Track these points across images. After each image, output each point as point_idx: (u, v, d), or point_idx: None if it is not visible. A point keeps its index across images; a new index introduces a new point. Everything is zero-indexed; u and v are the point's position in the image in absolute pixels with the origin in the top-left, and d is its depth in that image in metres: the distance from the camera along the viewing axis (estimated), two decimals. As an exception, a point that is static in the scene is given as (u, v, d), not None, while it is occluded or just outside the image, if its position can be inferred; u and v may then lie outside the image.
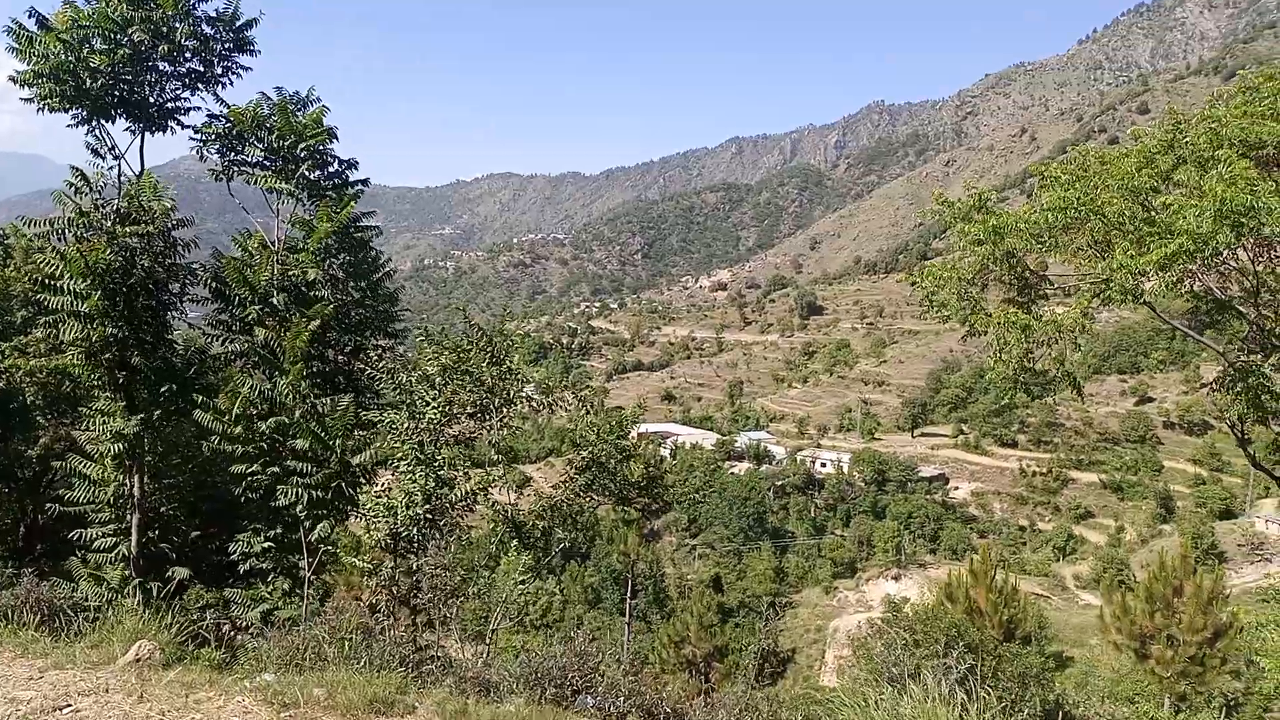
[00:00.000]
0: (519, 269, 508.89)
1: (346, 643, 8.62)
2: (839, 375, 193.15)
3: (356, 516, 14.65)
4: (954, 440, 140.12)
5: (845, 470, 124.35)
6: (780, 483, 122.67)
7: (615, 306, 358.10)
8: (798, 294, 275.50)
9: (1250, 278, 11.61)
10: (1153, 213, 11.24)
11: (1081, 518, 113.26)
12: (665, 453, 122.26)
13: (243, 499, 15.51)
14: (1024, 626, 32.30)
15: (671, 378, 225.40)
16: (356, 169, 19.17)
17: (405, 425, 12.97)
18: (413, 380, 13.56)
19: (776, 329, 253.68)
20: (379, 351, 16.71)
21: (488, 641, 12.38)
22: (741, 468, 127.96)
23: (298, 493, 14.95)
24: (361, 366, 16.16)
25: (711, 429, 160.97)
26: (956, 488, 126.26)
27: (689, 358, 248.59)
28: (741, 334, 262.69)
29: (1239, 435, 13.53)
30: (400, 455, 12.74)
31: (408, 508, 12.03)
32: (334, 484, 15.31)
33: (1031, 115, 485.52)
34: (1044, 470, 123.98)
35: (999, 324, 11.82)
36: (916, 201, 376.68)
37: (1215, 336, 13.44)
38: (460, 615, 12.45)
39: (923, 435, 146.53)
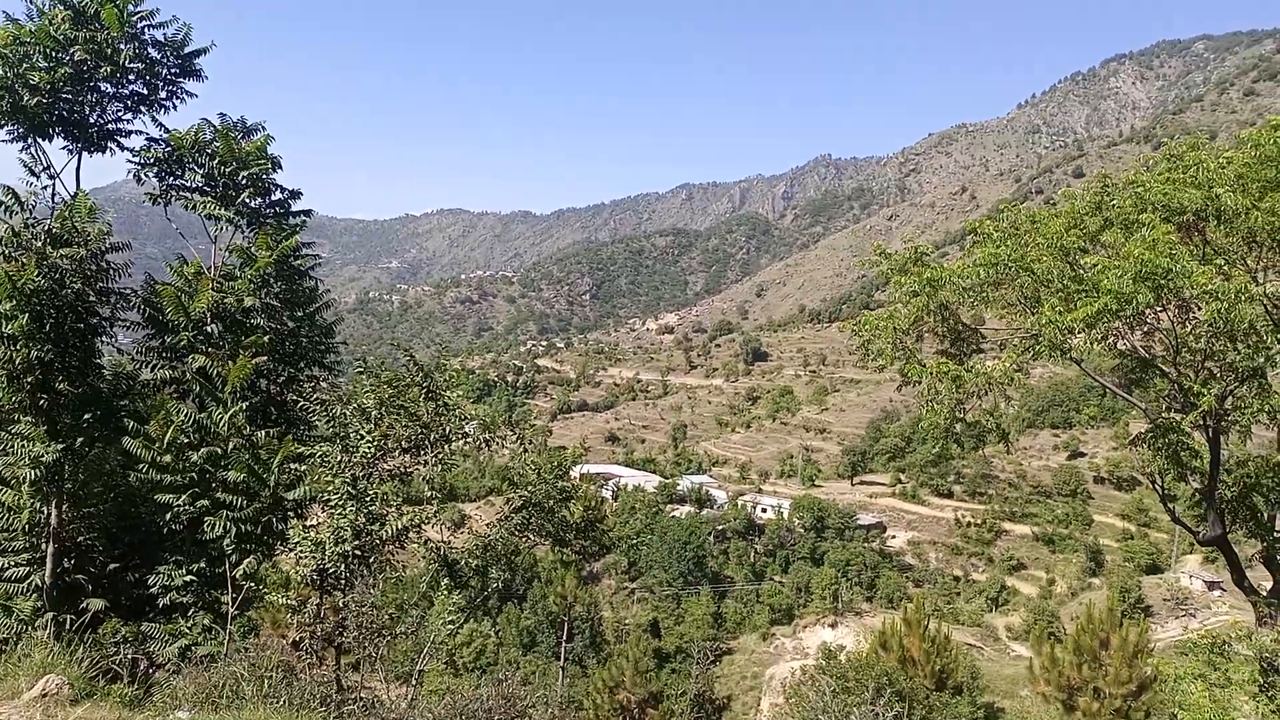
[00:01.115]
0: (466, 305, 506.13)
1: (266, 681, 8.39)
2: (781, 421, 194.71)
3: (285, 551, 14.32)
4: (892, 489, 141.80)
5: (785, 516, 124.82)
6: (721, 527, 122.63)
7: (562, 346, 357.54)
8: (743, 340, 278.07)
9: (1172, 338, 12.05)
10: (1080, 271, 11.66)
11: (1014, 569, 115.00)
12: (607, 494, 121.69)
13: (166, 530, 15.05)
14: (956, 676, 32.63)
15: (616, 419, 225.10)
16: (300, 199, 19.02)
17: (338, 458, 12.75)
18: (348, 413, 13.36)
19: (721, 373, 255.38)
20: (313, 383, 16.46)
21: (414, 683, 12.11)
22: (683, 511, 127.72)
23: (226, 526, 14.57)
24: (295, 398, 15.89)
25: (654, 471, 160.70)
26: (894, 536, 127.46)
27: (634, 399, 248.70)
28: (687, 377, 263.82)
29: (1161, 491, 13.94)
30: (332, 489, 12.50)
31: (336, 543, 11.78)
32: (264, 518, 14.95)
33: (972, 174, 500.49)
34: (978, 521, 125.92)
35: (932, 374, 12.10)
36: (860, 253, 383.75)
37: (1141, 394, 13.86)
38: (388, 655, 12.19)
39: (862, 483, 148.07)
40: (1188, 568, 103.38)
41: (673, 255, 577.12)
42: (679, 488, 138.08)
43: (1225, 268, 11.14)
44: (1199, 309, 10.71)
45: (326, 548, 11.75)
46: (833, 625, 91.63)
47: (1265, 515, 12.47)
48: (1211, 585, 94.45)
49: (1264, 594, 12.40)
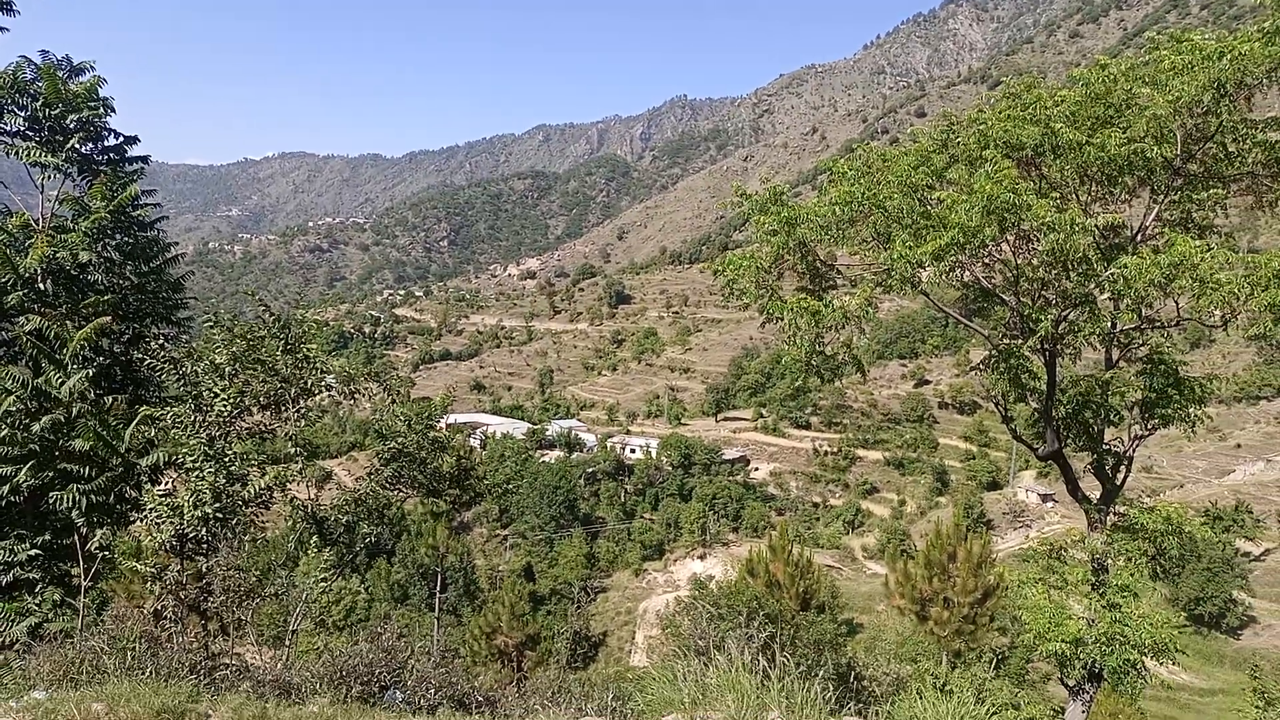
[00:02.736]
0: (315, 254, 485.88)
1: (129, 653, 8.00)
2: (647, 363, 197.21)
3: (140, 519, 13.58)
4: (754, 423, 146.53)
5: (654, 455, 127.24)
6: (591, 470, 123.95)
7: (421, 294, 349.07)
8: (606, 283, 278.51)
9: (1011, 268, 12.77)
10: (928, 207, 12.16)
11: (868, 493, 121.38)
12: (475, 443, 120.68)
13: (5, 504, 13.99)
14: (819, 596, 34.41)
15: (481, 367, 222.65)
16: (137, 144, 17.69)
17: (192, 419, 12.11)
18: (200, 370, 12.66)
19: (586, 318, 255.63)
20: (161, 341, 15.50)
21: (288, 644, 11.82)
22: (553, 456, 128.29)
23: (74, 497, 13.65)
24: (141, 357, 14.93)
25: (522, 418, 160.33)
26: (757, 468, 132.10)
27: (498, 347, 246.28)
28: (551, 323, 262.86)
29: (1002, 412, 14.84)
30: (187, 451, 11.88)
31: (195, 507, 11.25)
32: (117, 487, 14.08)
33: (822, 115, 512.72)
34: (834, 450, 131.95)
35: (792, 310, 12.41)
36: (718, 194, 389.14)
37: (982, 323, 14.62)
38: (256, 618, 11.82)
39: (726, 419, 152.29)
40: (1024, 483, 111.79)
41: (532, 199, 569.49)
42: (548, 433, 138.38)
43: (1060, 201, 11.87)
44: (1038, 240, 11.38)
45: (185, 512, 11.21)
46: (702, 557, 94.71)
47: (1095, 429, 13.53)
48: (1045, 498, 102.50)
49: (1094, 501, 13.53)
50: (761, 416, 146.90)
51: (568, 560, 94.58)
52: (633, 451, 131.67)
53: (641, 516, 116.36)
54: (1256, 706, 28.13)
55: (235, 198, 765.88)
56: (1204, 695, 59.15)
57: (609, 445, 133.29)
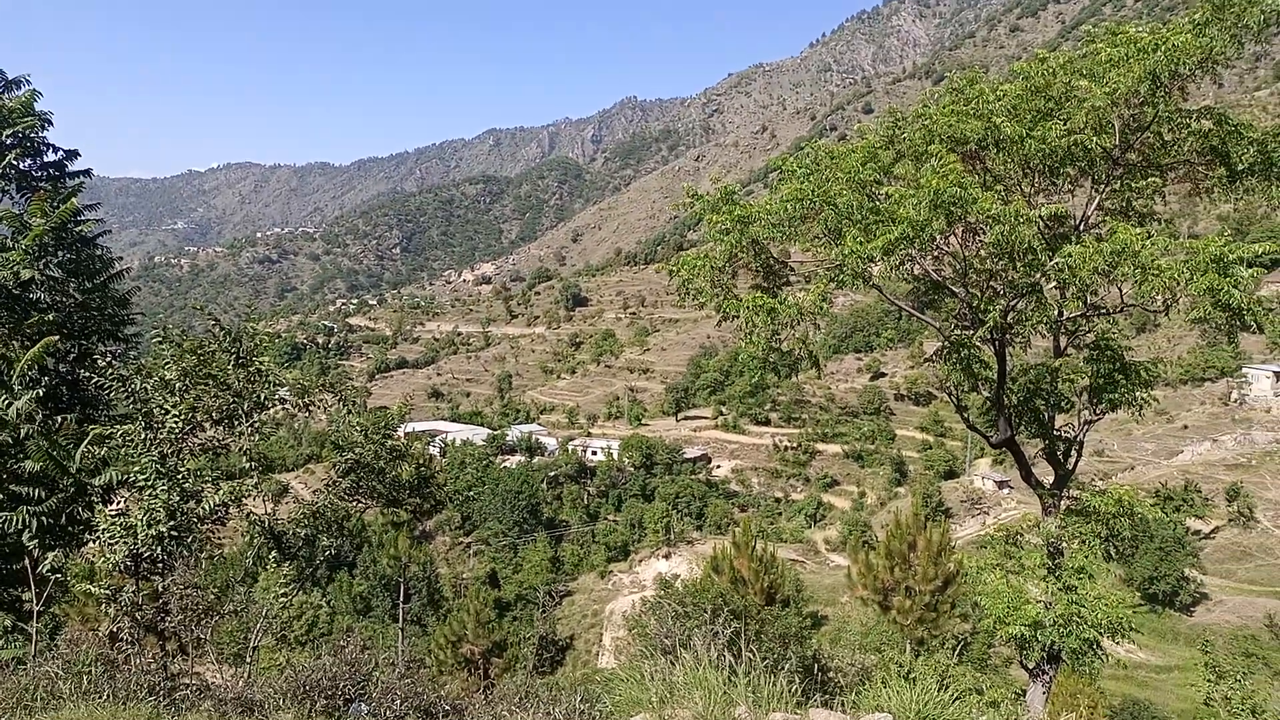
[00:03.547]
0: (265, 265, 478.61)
1: (85, 677, 7.82)
2: (606, 365, 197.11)
3: (93, 540, 13.27)
4: (714, 421, 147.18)
5: (615, 457, 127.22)
6: (553, 473, 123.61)
7: (374, 303, 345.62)
8: (562, 286, 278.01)
9: (960, 261, 12.99)
10: (877, 203, 12.33)
11: (829, 486, 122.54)
12: (435, 451, 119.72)
13: (-54, 530, 13.58)
14: (783, 590, 34.62)
15: (438, 374, 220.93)
16: (77, 158, 17.31)
17: (143, 437, 11.86)
18: (150, 387, 12.40)
19: (543, 321, 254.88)
20: (108, 358, 15.17)
21: (249, 661, 11.64)
22: (514, 461, 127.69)
23: (24, 519, 13.29)
24: (88, 375, 14.61)
25: (482, 424, 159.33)
26: (718, 466, 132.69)
27: (455, 353, 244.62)
28: (508, 327, 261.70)
29: (956, 402, 15.08)
30: (138, 469, 11.64)
31: (149, 526, 11.02)
32: (68, 508, 13.74)
33: (771, 114, 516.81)
34: (794, 444, 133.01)
35: (748, 308, 12.52)
36: (671, 195, 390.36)
37: (934, 315, 14.84)
38: (216, 636, 11.62)
39: (686, 418, 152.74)
40: (980, 470, 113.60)
41: (484, 203, 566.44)
42: (508, 438, 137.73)
43: (1004, 193, 12.10)
44: (984, 233, 11.58)
45: (139, 531, 10.97)
46: (667, 556, 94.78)
47: (1046, 416, 13.82)
48: (1001, 484, 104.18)
49: (1047, 486, 13.81)
50: (721, 414, 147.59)
51: (532, 565, 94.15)
52: (594, 454, 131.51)
53: (605, 518, 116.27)
54: (1209, 680, 28.84)
55: (180, 210, 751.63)
56: (1160, 672, 60.56)
57: (570, 448, 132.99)
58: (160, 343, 13.37)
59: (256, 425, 13.57)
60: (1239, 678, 27.65)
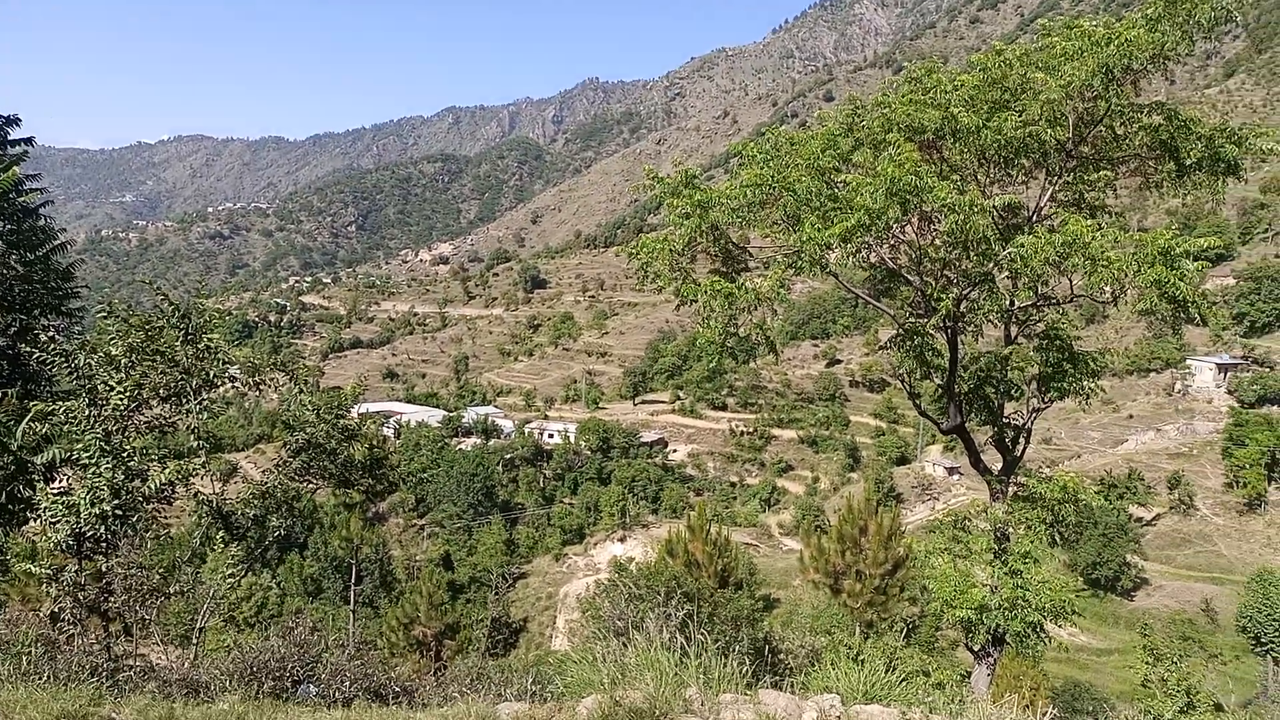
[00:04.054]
0: (216, 241, 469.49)
1: (24, 658, 7.64)
2: (564, 347, 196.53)
3: (35, 519, 12.95)
4: (672, 406, 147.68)
5: (572, 440, 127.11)
6: (509, 456, 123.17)
7: (329, 281, 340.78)
8: (521, 268, 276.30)
9: (915, 249, 13.13)
10: (835, 190, 12.39)
11: (783, 471, 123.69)
12: (389, 432, 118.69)
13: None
14: (736, 573, 34.97)
15: (393, 355, 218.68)
16: (18, 126, 16.74)
17: (86, 413, 11.57)
18: (94, 363, 12.09)
19: (501, 303, 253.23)
20: (51, 333, 14.76)
21: (195, 642, 11.46)
22: (469, 443, 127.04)
23: (-44, 499, 12.92)
24: (29, 350, 14.19)
25: (437, 406, 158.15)
26: (675, 450, 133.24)
27: (411, 333, 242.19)
28: (465, 308, 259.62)
29: (909, 389, 15.28)
30: (82, 447, 11.36)
31: (93, 505, 10.77)
32: (9, 487, 13.37)
33: (733, 99, 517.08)
34: (750, 430, 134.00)
35: (706, 292, 12.55)
36: (632, 178, 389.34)
37: (889, 303, 14.98)
38: (161, 617, 11.43)
39: (644, 402, 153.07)
40: (931, 457, 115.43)
41: (443, 182, 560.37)
42: (464, 420, 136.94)
43: (960, 183, 12.24)
44: (939, 221, 11.73)
45: (82, 510, 10.71)
46: (622, 539, 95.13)
47: (995, 403, 14.06)
48: (951, 471, 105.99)
49: (996, 472, 14.07)
50: (679, 399, 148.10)
51: (487, 548, 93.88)
52: (551, 437, 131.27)
53: (561, 501, 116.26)
54: (1147, 663, 29.66)
55: (129, 183, 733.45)
56: (1101, 655, 62.23)
57: (527, 431, 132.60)
58: (105, 318, 13.03)
59: (205, 403, 13.31)
60: (1175, 660, 28.51)
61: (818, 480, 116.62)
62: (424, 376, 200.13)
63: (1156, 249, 10.58)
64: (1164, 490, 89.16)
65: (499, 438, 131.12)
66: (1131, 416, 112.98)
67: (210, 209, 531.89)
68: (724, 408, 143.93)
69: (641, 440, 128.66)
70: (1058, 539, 13.41)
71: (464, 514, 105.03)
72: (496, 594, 72.95)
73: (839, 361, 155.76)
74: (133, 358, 12.41)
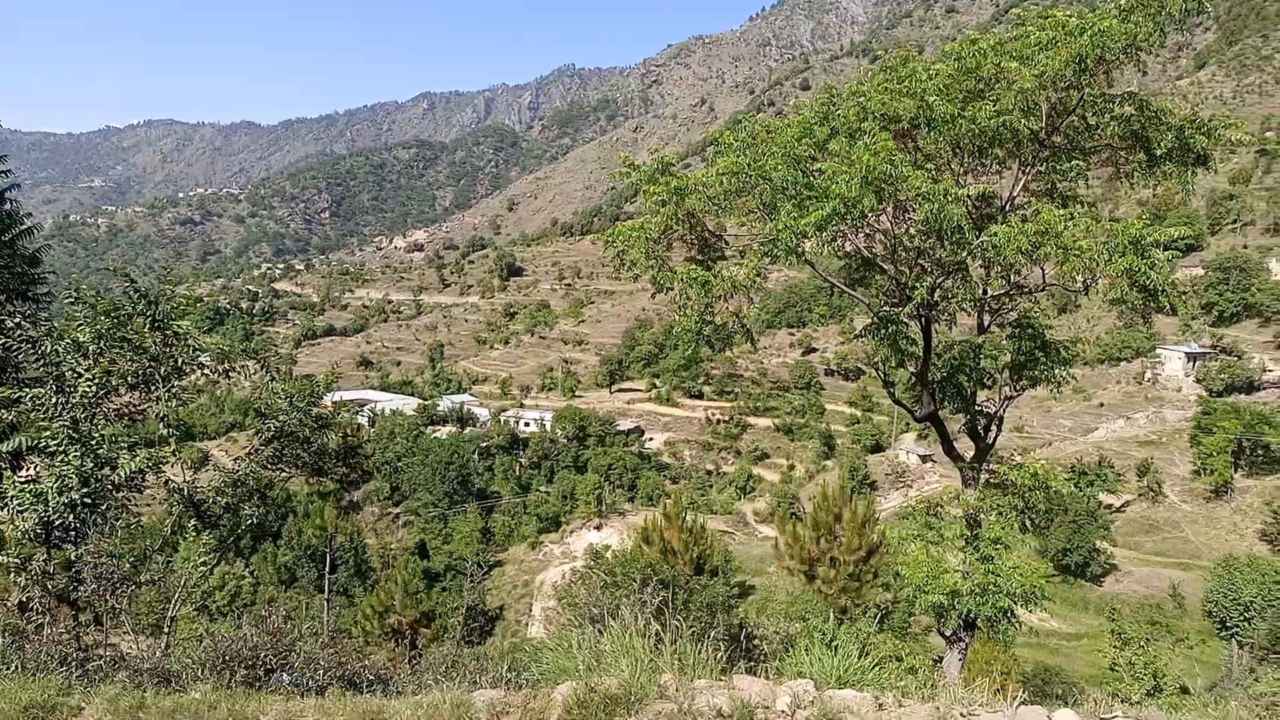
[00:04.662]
0: (187, 227, 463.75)
1: (-10, 649, 7.54)
2: (540, 335, 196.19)
3: (1, 508, 12.75)
4: (648, 394, 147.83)
5: (548, 428, 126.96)
6: (485, 444, 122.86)
7: (302, 268, 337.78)
8: (497, 255, 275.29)
9: (890, 238, 13.18)
10: (811, 178, 12.40)
11: (759, 459, 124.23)
12: (363, 420, 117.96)
13: None
14: (712, 561, 35.10)
15: (368, 342, 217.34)
16: (-22, 109, 16.41)
17: (54, 401, 11.40)
18: (61, 349, 11.91)
19: (477, 290, 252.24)
20: (17, 319, 14.52)
21: (167, 632, 11.36)
22: (445, 431, 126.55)
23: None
24: (-6, 336, 13.97)
25: (412, 394, 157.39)
26: (651, 438, 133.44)
27: (386, 321, 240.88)
28: (441, 296, 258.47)
29: (883, 377, 15.39)
30: (49, 435, 11.21)
31: (61, 493, 10.64)
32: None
33: (710, 87, 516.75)
34: (726, 418, 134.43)
35: (682, 280, 12.55)
36: (609, 166, 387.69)
37: (864, 291, 15.04)
38: (132, 607, 11.31)
39: (620, 390, 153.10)
40: (905, 445, 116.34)
41: (418, 169, 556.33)
42: (439, 408, 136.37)
43: (934, 172, 12.29)
44: (914, 210, 11.77)
45: (50, 499, 10.58)
46: (598, 527, 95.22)
47: (968, 391, 14.17)
48: (925, 458, 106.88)
49: (968, 460, 14.19)
50: (655, 387, 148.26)
51: (462, 536, 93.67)
52: (527, 425, 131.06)
53: (537, 490, 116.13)
54: (1115, 646, 30.12)
55: (98, 168, 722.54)
56: (1070, 640, 63.11)
57: (503, 419, 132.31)
58: (72, 303, 12.84)
59: (175, 391, 13.16)
60: (1142, 644, 28.97)
61: (793, 468, 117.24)
62: (399, 364, 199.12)
63: (1127, 238, 10.69)
64: (1133, 477, 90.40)
65: (475, 426, 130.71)
66: (1102, 405, 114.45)
67: (181, 194, 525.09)
68: (700, 396, 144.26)
69: (618, 428, 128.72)
70: (1028, 525, 13.55)
71: (439, 502, 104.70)
72: (472, 582, 72.89)
73: (815, 350, 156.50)
74: (101, 344, 12.24)
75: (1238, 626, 58.89)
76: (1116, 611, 46.88)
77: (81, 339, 12.23)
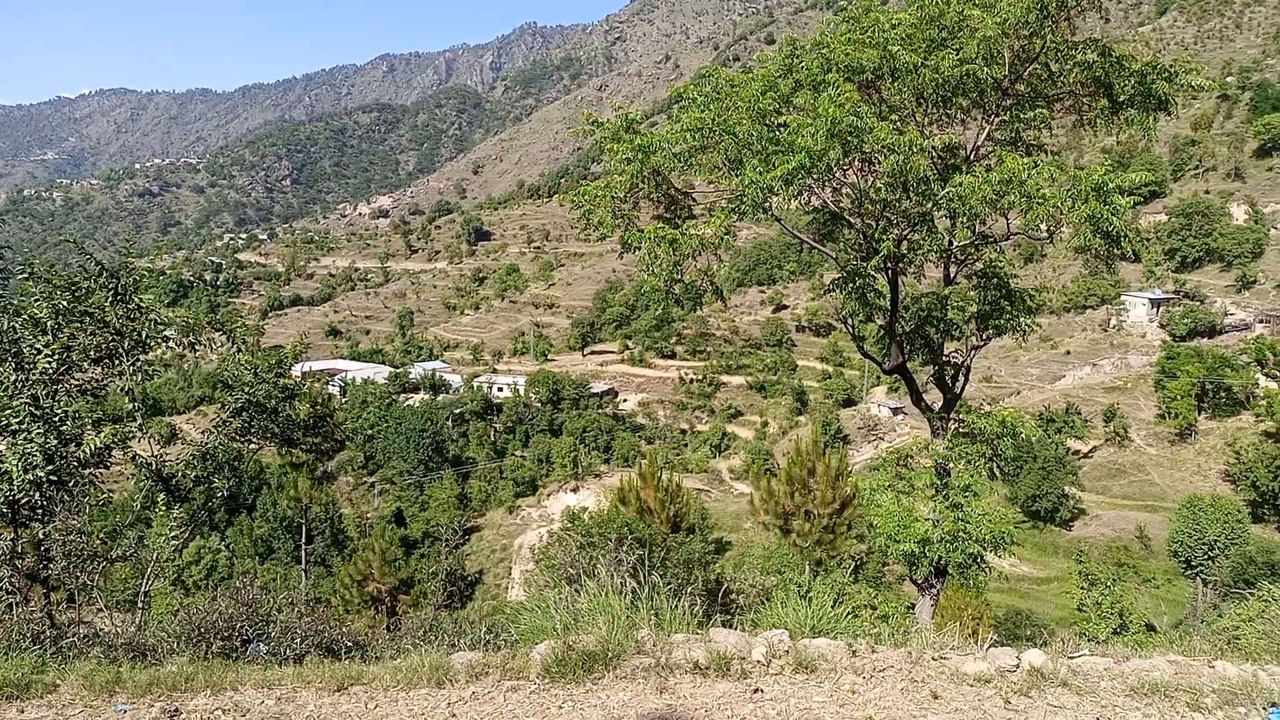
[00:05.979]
0: (146, 199, 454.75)
1: (-41, 631, 7.46)
2: (510, 300, 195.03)
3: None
4: (621, 356, 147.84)
5: (522, 392, 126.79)
6: (459, 410, 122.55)
7: (265, 237, 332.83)
8: (464, 220, 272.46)
9: (856, 191, 13.15)
10: (776, 133, 12.31)
11: (733, 417, 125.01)
12: (334, 390, 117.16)
13: None
14: (688, 518, 35.41)
15: (335, 311, 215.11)
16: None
17: (13, 378, 11.19)
18: (18, 326, 11.67)
19: (444, 256, 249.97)
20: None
21: (141, 607, 11.30)
22: (418, 399, 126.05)
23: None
24: (-53, 315, 13.63)
25: (383, 362, 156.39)
26: (625, 400, 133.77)
27: (353, 290, 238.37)
28: (408, 262, 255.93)
29: (852, 331, 15.43)
30: (10, 413, 11.02)
31: (25, 471, 10.49)
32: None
33: (675, 43, 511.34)
34: (699, 377, 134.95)
35: (650, 239, 12.48)
36: (574, 126, 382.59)
37: (833, 246, 15.02)
38: (105, 583, 11.24)
39: (593, 353, 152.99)
40: (876, 398, 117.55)
41: (379, 133, 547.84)
42: (411, 376, 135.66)
43: (899, 124, 12.24)
44: (879, 163, 11.73)
45: (15, 477, 10.43)
46: (575, 490, 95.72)
47: (936, 342, 14.28)
48: (896, 411, 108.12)
49: (937, 410, 14.34)
50: (628, 349, 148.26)
51: (439, 503, 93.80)
52: (500, 390, 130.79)
53: (513, 454, 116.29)
54: (1081, 588, 30.86)
55: (50, 140, 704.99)
56: (1040, 584, 64.60)
57: (475, 385, 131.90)
58: (26, 279, 12.55)
59: (139, 365, 12.95)
60: (1109, 585, 29.70)
61: (766, 425, 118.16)
62: (368, 333, 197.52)
63: (1090, 184, 10.74)
64: (1100, 423, 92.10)
65: (447, 393, 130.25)
66: (1069, 352, 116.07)
67: (138, 165, 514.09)
68: (673, 356, 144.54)
69: (592, 391, 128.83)
70: (997, 472, 13.75)
71: (415, 470, 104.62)
72: (450, 548, 73.11)
73: (785, 307, 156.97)
74: (60, 320, 12.00)
75: (1202, 565, 60.55)
76: (1085, 554, 48.04)
77: (39, 315, 11.98)
